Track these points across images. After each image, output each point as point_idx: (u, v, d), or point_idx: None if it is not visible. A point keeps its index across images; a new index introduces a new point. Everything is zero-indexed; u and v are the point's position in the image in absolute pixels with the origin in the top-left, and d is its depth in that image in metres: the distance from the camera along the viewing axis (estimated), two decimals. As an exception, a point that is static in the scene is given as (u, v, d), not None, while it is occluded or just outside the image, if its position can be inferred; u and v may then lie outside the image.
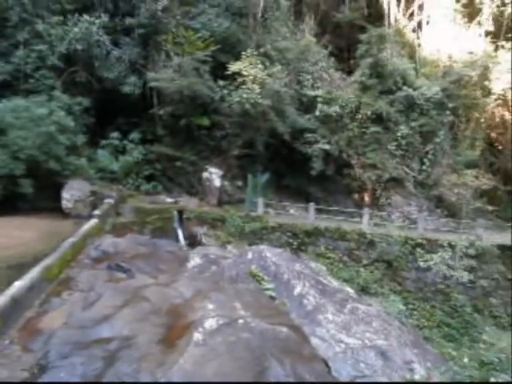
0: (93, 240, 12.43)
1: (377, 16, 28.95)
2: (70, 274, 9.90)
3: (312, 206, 17.57)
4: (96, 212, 14.59)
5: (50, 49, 18.43)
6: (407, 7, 29.12)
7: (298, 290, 9.76)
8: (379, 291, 14.94)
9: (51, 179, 15.88)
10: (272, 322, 7.40)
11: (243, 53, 19.35)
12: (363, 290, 14.42)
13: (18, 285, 7.71)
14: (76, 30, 18.46)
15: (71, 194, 15.65)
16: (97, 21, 18.91)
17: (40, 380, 5.76)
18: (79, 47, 18.54)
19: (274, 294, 9.70)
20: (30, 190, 15.19)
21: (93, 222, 13.64)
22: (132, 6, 20.84)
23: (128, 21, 20.41)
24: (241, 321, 7.15)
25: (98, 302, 8.22)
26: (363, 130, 21.06)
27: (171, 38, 19.83)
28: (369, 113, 20.85)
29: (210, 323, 6.96)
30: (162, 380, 5.47)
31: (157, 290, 8.97)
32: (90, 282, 9.38)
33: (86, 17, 18.83)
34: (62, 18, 19.17)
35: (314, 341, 7.58)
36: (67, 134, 16.46)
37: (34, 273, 8.49)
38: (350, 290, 11.80)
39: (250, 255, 12.00)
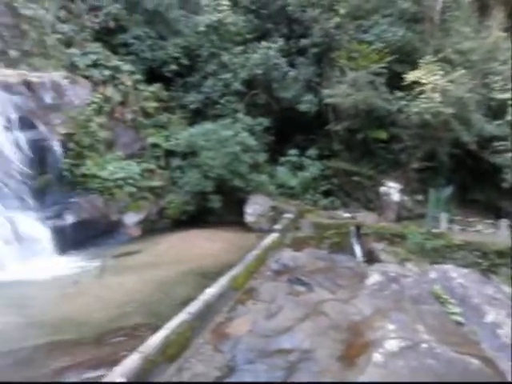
0: (273, 253, 12.82)
1: None
2: (253, 284, 10.34)
3: (504, 222, 15.50)
4: (276, 226, 15.12)
5: (233, 76, 20.11)
6: None
7: (490, 318, 8.55)
8: None
9: (235, 195, 17.21)
10: (460, 351, 6.69)
11: (420, 60, 18.31)
12: None
13: (210, 292, 8.41)
14: (256, 56, 19.80)
15: (253, 208, 16.64)
16: (273, 45, 20.02)
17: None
18: (259, 72, 19.81)
19: (461, 320, 8.71)
20: (218, 205, 16.80)
21: (273, 235, 14.07)
22: (305, 27, 21.49)
23: (302, 42, 21.15)
24: (424, 345, 6.67)
25: (280, 313, 8.50)
26: None
27: (345, 54, 19.82)
28: None
29: (391, 344, 6.67)
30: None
31: (336, 306, 8.94)
32: (271, 293, 9.71)
33: (263, 43, 20.14)
34: (243, 47, 20.93)
35: (513, 379, 6.58)
36: (250, 153, 17.65)
37: (223, 281, 9.16)
38: (559, 325, 10.01)
39: (432, 274, 11.18)
